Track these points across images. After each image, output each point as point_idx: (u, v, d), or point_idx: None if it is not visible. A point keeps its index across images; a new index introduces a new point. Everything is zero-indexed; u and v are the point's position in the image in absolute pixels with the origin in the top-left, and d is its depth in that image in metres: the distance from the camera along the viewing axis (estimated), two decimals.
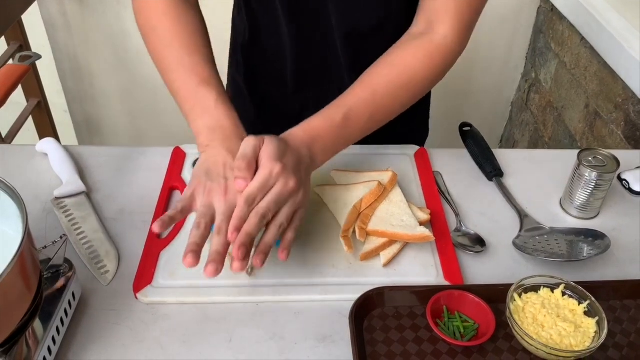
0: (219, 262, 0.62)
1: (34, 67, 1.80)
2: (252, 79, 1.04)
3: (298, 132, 0.72)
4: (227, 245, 0.64)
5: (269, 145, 0.67)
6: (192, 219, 0.80)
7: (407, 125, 0.97)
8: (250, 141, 0.67)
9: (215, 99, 0.74)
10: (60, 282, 0.64)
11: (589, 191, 0.81)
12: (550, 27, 1.77)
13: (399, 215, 0.77)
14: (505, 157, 0.93)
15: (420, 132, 1.11)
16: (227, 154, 0.70)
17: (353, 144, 0.79)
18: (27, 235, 0.55)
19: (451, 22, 0.78)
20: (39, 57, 0.99)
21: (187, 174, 0.87)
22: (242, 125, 0.75)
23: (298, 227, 0.68)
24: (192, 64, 0.77)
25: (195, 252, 0.62)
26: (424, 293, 0.68)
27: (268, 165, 0.65)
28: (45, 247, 0.63)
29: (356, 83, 0.78)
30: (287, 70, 0.97)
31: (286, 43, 0.93)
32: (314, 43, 0.92)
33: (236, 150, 0.69)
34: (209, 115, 0.73)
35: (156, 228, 0.64)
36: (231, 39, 1.05)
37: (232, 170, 0.68)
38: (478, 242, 0.78)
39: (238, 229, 0.63)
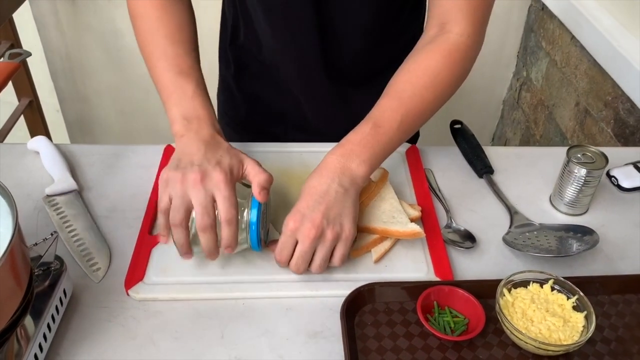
0: (215, 257, 0.69)
1: (25, 66, 1.79)
2: (242, 77, 1.04)
3: (330, 157, 0.72)
4: (215, 239, 0.67)
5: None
6: None
7: None
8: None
9: (193, 90, 0.76)
10: (51, 279, 0.64)
11: (578, 188, 0.81)
12: (541, 26, 1.78)
13: (390, 212, 0.77)
14: (495, 154, 0.94)
15: None
16: (201, 143, 0.70)
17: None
18: (17, 232, 0.54)
19: (465, 19, 0.77)
20: (28, 54, 0.99)
21: None
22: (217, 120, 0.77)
23: (344, 255, 0.70)
24: (175, 54, 0.79)
25: (187, 252, 0.69)
26: (415, 289, 0.68)
27: (284, 228, 0.68)
28: (36, 244, 0.63)
29: (381, 95, 0.78)
30: (273, 66, 0.97)
31: (269, 38, 0.93)
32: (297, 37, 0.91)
33: (209, 140, 0.71)
34: (185, 104, 0.75)
35: (163, 240, 0.69)
36: (220, 36, 1.05)
37: (206, 158, 0.68)
38: (468, 238, 0.79)
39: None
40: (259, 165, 0.72)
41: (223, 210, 0.66)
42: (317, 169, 0.72)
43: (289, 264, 0.70)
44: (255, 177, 0.70)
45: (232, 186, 0.68)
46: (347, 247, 0.70)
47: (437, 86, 0.77)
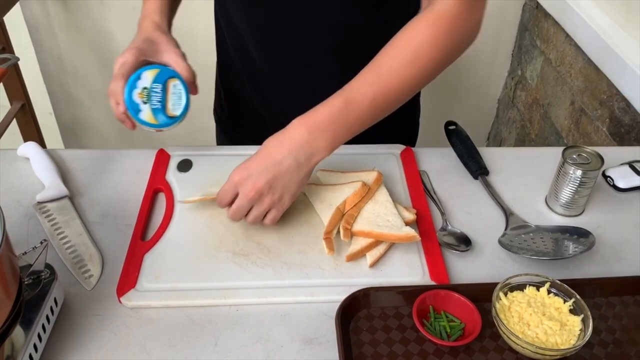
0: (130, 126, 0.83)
1: (17, 69, 1.78)
2: (225, 75, 1.05)
3: (297, 127, 0.73)
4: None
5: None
6: (177, 222, 0.79)
7: (395, 123, 0.96)
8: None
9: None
10: (42, 288, 0.63)
11: (574, 189, 0.81)
12: (535, 25, 1.78)
13: (385, 215, 0.77)
14: (490, 155, 0.93)
15: (410, 131, 1.10)
16: (139, 37, 0.84)
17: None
18: (5, 241, 0.54)
19: None
20: (17, 59, 0.98)
21: (171, 176, 0.86)
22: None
23: (275, 218, 0.75)
24: None
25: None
26: (410, 293, 0.68)
27: (230, 176, 0.74)
28: (25, 252, 0.62)
29: (364, 69, 0.75)
30: (250, 64, 0.96)
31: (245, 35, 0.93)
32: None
33: (147, 35, 0.83)
34: (145, 8, 0.88)
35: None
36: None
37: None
38: (464, 241, 0.78)
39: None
40: (179, 55, 0.83)
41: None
42: (281, 134, 0.74)
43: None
44: (183, 70, 0.82)
45: (134, 59, 0.80)
46: (279, 214, 0.75)
47: (419, 60, 0.74)
